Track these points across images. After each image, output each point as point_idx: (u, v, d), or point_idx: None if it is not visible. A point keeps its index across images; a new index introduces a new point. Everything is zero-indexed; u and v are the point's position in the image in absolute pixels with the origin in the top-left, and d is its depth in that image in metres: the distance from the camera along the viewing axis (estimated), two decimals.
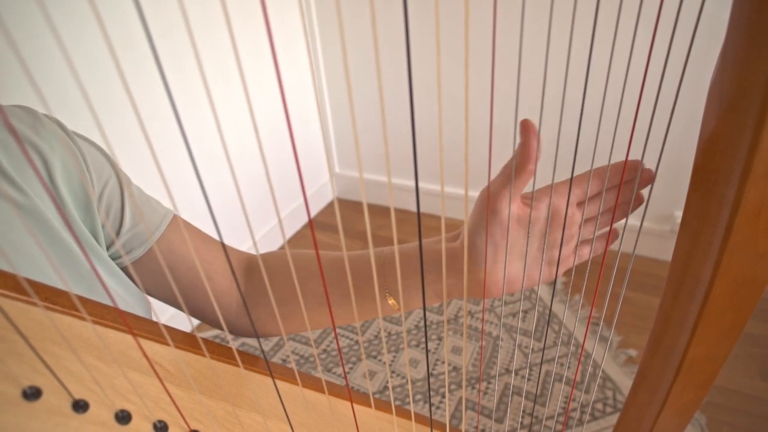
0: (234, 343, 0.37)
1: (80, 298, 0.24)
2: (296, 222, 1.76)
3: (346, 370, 1.23)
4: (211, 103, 1.28)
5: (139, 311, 0.36)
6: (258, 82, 1.44)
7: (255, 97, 1.45)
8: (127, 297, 0.36)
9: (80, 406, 0.21)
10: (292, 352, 1.30)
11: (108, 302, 0.32)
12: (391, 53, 1.55)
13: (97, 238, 0.36)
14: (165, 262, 0.39)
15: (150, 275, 0.39)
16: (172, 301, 0.41)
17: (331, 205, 1.90)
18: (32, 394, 0.20)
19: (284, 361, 1.28)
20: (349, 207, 1.90)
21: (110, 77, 1.01)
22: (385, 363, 1.22)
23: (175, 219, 0.41)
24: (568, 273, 1.45)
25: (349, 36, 1.60)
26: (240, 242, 1.44)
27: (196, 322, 1.40)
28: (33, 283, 0.23)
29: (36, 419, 0.20)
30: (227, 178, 1.35)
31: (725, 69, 0.21)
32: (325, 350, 1.30)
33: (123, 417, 0.23)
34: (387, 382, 1.18)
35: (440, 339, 1.28)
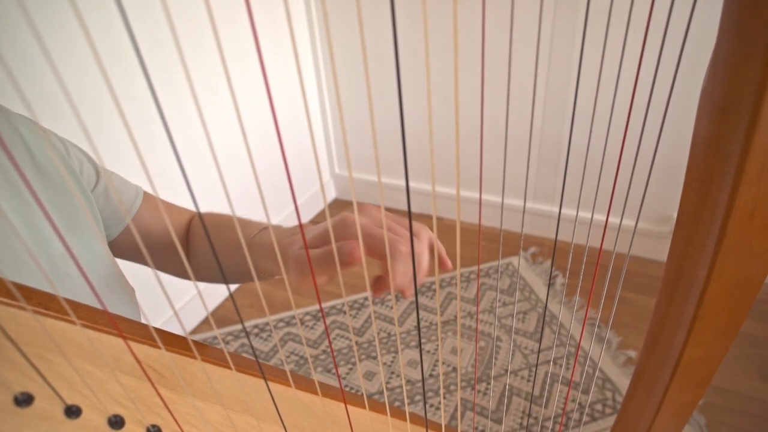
0: (227, 347, 0.38)
1: (71, 302, 0.24)
2: (296, 222, 1.76)
3: (346, 371, 1.23)
4: (197, 106, 1.28)
5: (122, 294, 0.38)
6: (257, 84, 1.44)
7: (254, 98, 1.45)
8: (111, 281, 0.38)
9: (73, 412, 0.21)
10: (292, 353, 1.30)
11: (85, 287, 0.33)
12: (387, 54, 1.55)
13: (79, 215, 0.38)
14: (139, 235, 0.44)
15: (124, 247, 0.45)
16: (143, 263, 0.45)
17: (330, 205, 1.90)
18: (24, 400, 0.20)
19: (285, 361, 1.28)
20: (349, 208, 1.90)
21: (99, 86, 1.01)
22: (384, 364, 1.22)
23: (145, 196, 0.46)
24: (570, 274, 1.45)
25: (347, 37, 1.60)
26: None
27: (189, 327, 1.40)
28: (23, 288, 0.23)
29: (28, 426, 0.20)
30: (227, 179, 1.36)
31: (716, 72, 0.21)
32: (324, 351, 1.30)
33: (116, 422, 0.23)
34: (386, 383, 1.18)
35: (439, 340, 1.28)
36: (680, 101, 1.18)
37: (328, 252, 0.30)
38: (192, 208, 0.47)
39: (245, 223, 0.42)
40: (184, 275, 0.48)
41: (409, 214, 0.20)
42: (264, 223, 0.40)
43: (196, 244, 0.46)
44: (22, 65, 0.89)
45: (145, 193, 0.47)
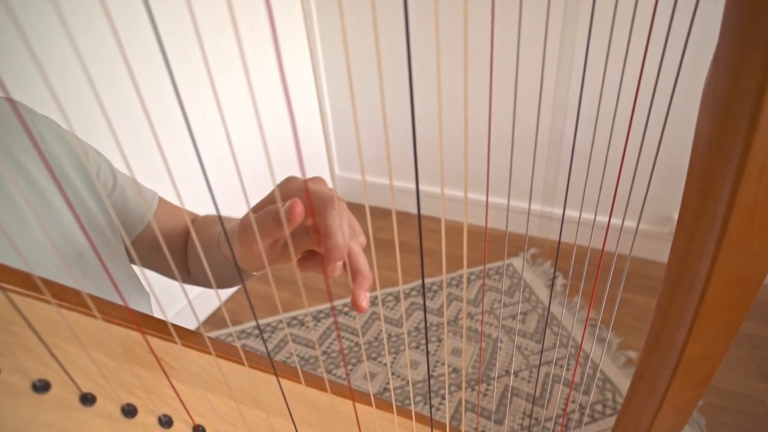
0: (238, 342, 0.39)
1: (87, 295, 0.25)
2: None
3: (347, 371, 1.23)
4: (218, 105, 1.29)
5: (138, 299, 0.38)
6: (260, 84, 1.45)
7: (257, 99, 1.46)
8: (126, 282, 0.38)
9: (88, 400, 0.22)
10: (292, 354, 1.30)
11: (102, 284, 0.33)
12: (391, 56, 1.55)
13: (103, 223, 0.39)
14: (153, 240, 0.44)
15: (137, 252, 0.45)
16: (154, 269, 0.46)
17: None
18: (41, 386, 0.20)
19: (285, 362, 1.28)
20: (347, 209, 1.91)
21: (118, 77, 1.02)
22: (385, 364, 1.22)
23: (160, 201, 0.46)
24: (566, 275, 1.45)
25: (349, 39, 1.61)
26: None
27: (201, 317, 1.41)
28: (42, 280, 0.23)
29: (46, 411, 0.20)
30: (227, 179, 1.36)
31: (718, 72, 0.22)
32: (325, 352, 1.30)
33: (129, 411, 0.23)
34: (387, 383, 1.18)
35: (440, 341, 1.28)
36: (680, 103, 1.19)
37: (267, 213, 0.27)
38: (203, 200, 0.47)
39: (225, 220, 0.41)
40: (189, 281, 0.49)
41: (419, 216, 0.21)
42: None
43: (190, 249, 0.47)
44: (44, 52, 0.90)
45: (160, 199, 0.47)
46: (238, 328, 1.40)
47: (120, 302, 0.25)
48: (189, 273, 0.48)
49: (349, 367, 1.24)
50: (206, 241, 0.41)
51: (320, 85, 1.75)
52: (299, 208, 0.24)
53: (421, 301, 1.38)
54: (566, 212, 1.51)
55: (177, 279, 0.45)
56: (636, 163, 0.28)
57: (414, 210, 1.81)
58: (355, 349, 1.29)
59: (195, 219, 0.49)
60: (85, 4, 0.94)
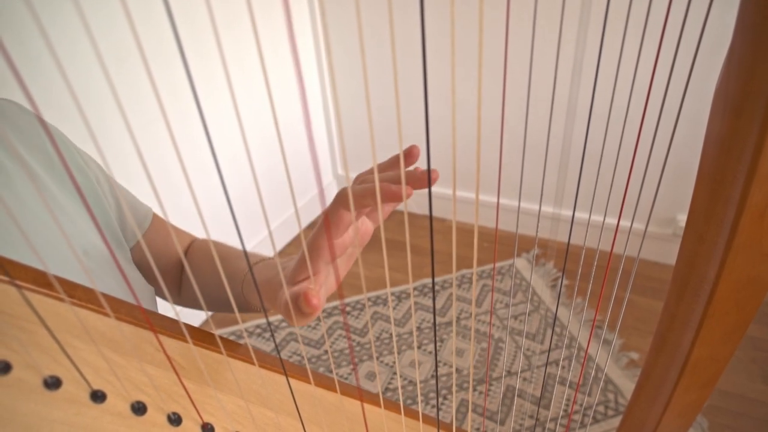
0: (239, 342, 0.39)
1: (99, 293, 0.25)
2: (308, 216, 1.77)
3: (348, 371, 1.23)
4: (234, 100, 1.29)
5: (143, 292, 0.38)
6: (263, 84, 1.45)
7: (260, 98, 1.46)
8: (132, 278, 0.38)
9: (98, 397, 0.22)
10: (294, 353, 1.30)
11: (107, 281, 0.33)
12: (401, 57, 1.55)
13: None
14: (141, 258, 0.43)
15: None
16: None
17: None
18: (53, 383, 0.20)
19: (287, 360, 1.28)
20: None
21: (101, 85, 1.01)
22: (387, 364, 1.22)
23: (154, 218, 0.46)
24: (571, 276, 1.45)
25: (351, 39, 1.61)
26: (252, 234, 1.48)
27: (202, 317, 1.41)
28: (55, 278, 0.23)
29: (57, 408, 0.20)
30: (229, 181, 1.36)
31: (731, 73, 0.22)
32: (326, 352, 1.30)
33: (138, 408, 0.23)
34: (389, 383, 1.18)
35: (442, 341, 1.28)
36: (688, 104, 1.18)
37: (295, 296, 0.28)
38: (194, 210, 0.46)
39: (239, 255, 0.41)
40: (178, 301, 0.48)
41: (431, 217, 0.21)
42: (260, 256, 0.39)
43: (195, 269, 0.46)
44: (25, 64, 0.89)
45: (155, 215, 0.47)
46: (239, 327, 1.40)
47: (127, 297, 0.25)
48: (179, 293, 0.48)
49: (350, 367, 1.24)
50: (231, 274, 0.41)
51: (323, 85, 1.75)
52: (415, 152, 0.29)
53: (422, 301, 1.38)
54: (569, 213, 1.51)
55: (165, 298, 0.44)
56: (646, 165, 0.28)
57: (414, 210, 1.81)
58: (357, 348, 1.29)
59: (193, 241, 0.48)
60: (63, 9, 0.93)
